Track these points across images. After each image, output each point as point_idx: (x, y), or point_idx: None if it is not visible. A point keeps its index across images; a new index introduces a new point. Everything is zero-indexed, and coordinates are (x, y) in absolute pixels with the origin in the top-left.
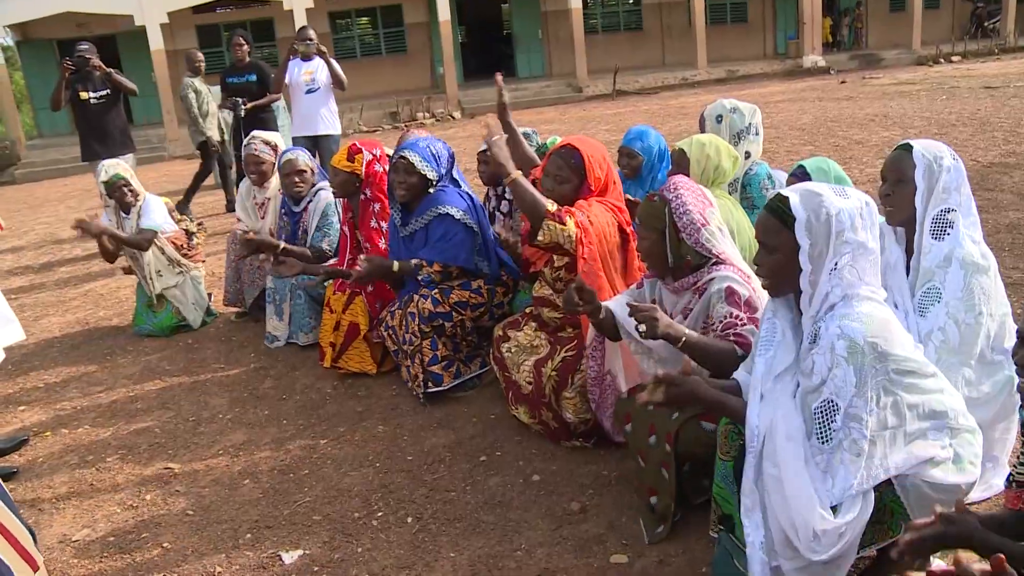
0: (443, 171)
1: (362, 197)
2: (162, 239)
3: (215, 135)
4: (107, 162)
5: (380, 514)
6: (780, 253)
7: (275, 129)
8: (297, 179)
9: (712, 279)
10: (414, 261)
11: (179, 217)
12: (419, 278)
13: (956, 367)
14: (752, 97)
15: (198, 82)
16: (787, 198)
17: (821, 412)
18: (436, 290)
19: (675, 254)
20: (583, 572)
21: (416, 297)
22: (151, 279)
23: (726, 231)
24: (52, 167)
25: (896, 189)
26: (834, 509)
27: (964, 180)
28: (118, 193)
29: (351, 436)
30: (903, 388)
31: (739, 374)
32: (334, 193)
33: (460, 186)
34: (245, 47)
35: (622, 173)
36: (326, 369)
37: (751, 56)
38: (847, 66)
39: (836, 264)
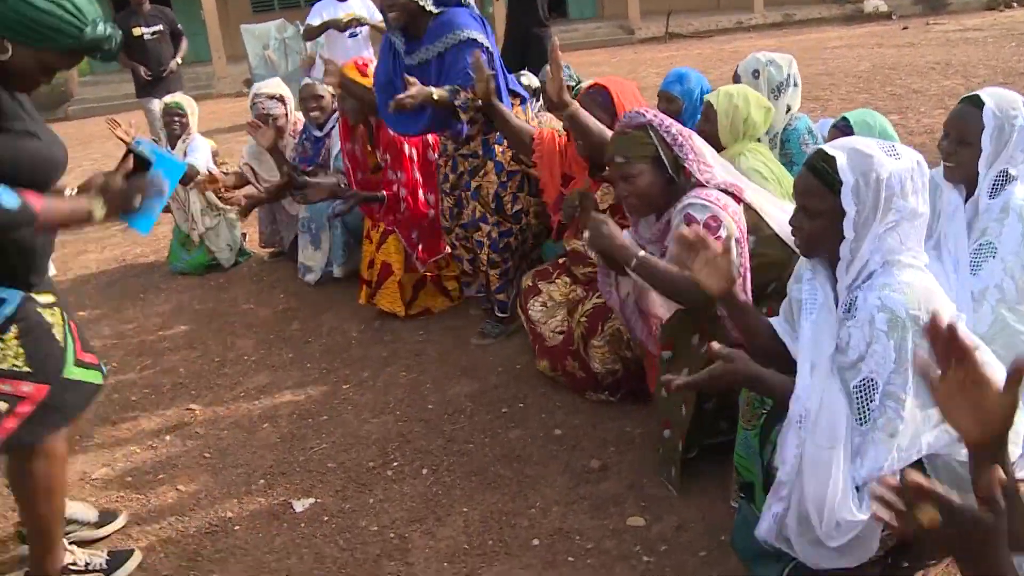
0: None
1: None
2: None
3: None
4: (175, 95)
5: (396, 464)
6: (823, 218)
7: None
8: (314, 104)
9: (676, 211)
10: (448, 88)
11: (221, 160)
12: (457, 105)
13: (1012, 326)
14: (809, 43)
15: None
16: (833, 158)
17: (860, 391)
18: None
19: (675, 169)
20: (598, 533)
21: (483, 226)
22: (195, 219)
23: (708, 146)
24: (104, 103)
25: (959, 149)
26: (858, 489)
27: None
28: (168, 120)
29: (373, 382)
30: None
31: (778, 322)
32: (347, 118)
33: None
34: None
35: None
36: (354, 311)
37: (809, 0)
38: (910, 11)
39: (881, 231)
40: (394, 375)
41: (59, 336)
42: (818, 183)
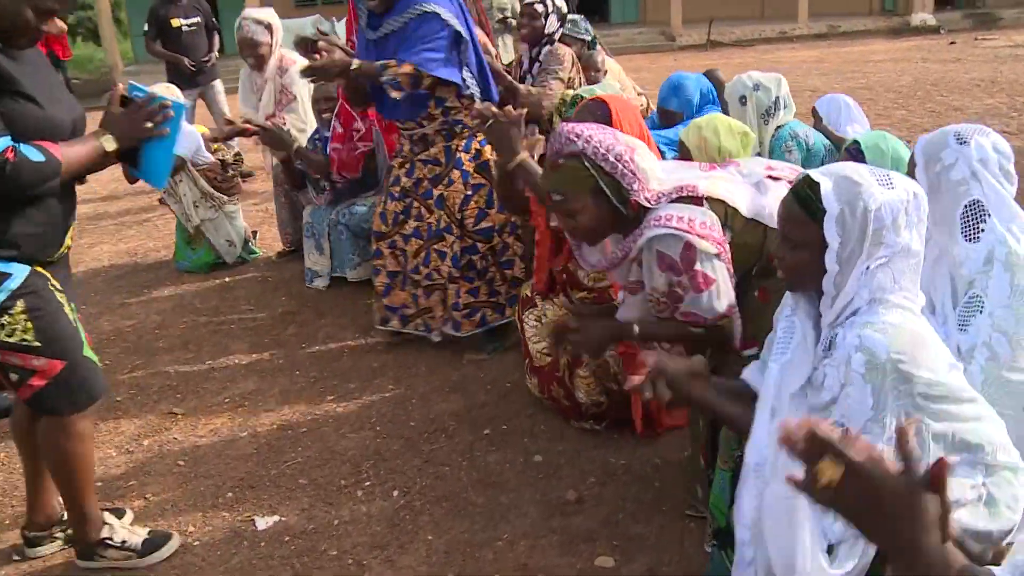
0: None
1: None
2: (193, 171)
3: None
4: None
5: (367, 484)
6: (805, 250)
7: None
8: (326, 106)
9: (641, 246)
10: (379, 62)
11: (215, 146)
12: (382, 80)
13: (1006, 388)
14: (852, 55)
15: None
16: (818, 184)
17: None
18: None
19: (620, 198)
20: (563, 572)
21: (448, 237)
22: (188, 210)
23: (651, 155)
24: None
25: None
26: (831, 549)
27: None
28: None
29: (360, 394)
30: (930, 415)
31: (749, 373)
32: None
33: None
34: None
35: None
36: (353, 318)
37: (856, 11)
38: (960, 25)
39: (868, 267)
40: (381, 388)
41: (71, 316)
42: (801, 211)
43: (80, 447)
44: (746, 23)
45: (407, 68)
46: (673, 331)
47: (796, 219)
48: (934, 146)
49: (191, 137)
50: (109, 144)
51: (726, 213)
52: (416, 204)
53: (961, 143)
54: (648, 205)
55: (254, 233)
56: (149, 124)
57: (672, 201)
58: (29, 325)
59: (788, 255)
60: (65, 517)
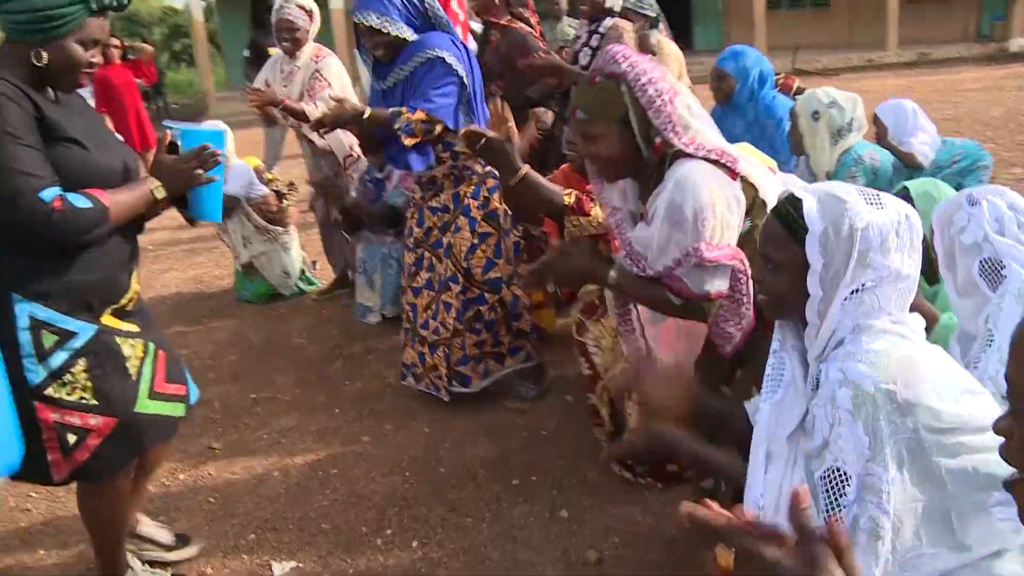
0: (418, 21)
1: None
2: (247, 207)
3: None
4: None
5: (388, 532)
6: (785, 272)
7: None
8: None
9: (667, 187)
10: (391, 109)
11: (269, 177)
12: (396, 128)
13: None
14: (941, 84)
15: None
16: (800, 201)
17: (826, 483)
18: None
19: (645, 138)
20: None
21: (453, 287)
22: (237, 247)
23: (697, 108)
24: (237, 118)
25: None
26: None
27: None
28: None
29: (394, 435)
30: (940, 450)
31: (750, 408)
32: None
33: (448, 31)
34: None
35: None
36: (398, 355)
37: (949, 38)
38: None
39: (854, 291)
40: (416, 430)
41: (132, 370)
42: (782, 229)
43: (114, 510)
44: (833, 51)
45: (420, 115)
46: (649, 292)
47: (777, 239)
48: (947, 210)
49: (243, 173)
50: (159, 192)
51: (754, 201)
52: (427, 255)
53: (973, 204)
54: (682, 148)
55: (313, 263)
56: (198, 172)
57: (709, 161)
58: (88, 384)
59: (768, 278)
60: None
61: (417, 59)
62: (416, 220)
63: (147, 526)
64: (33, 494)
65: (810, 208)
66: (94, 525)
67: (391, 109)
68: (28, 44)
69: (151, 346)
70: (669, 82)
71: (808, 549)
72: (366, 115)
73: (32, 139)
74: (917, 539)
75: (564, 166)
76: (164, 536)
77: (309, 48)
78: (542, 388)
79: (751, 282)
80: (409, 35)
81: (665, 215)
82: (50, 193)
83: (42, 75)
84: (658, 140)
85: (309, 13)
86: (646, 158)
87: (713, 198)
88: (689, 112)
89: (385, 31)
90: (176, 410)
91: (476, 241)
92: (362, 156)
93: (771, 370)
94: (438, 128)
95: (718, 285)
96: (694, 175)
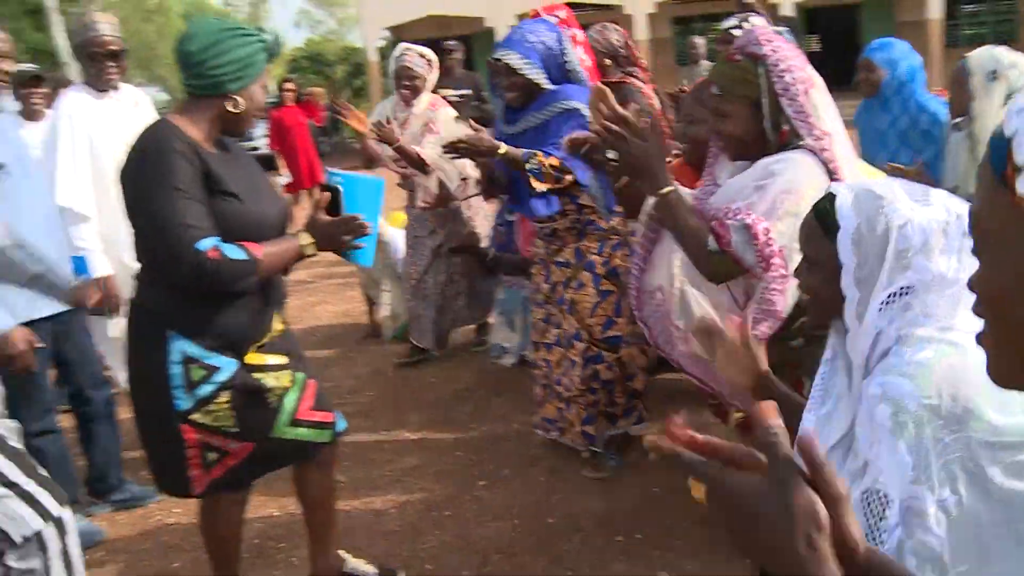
0: (555, 72)
1: None
2: (392, 256)
3: None
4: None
5: None
6: (821, 270)
7: None
8: None
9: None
10: (526, 150)
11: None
12: (527, 169)
13: None
14: None
15: None
16: (835, 197)
17: (866, 504)
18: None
19: (773, 124)
20: None
21: (577, 344)
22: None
23: (832, 109)
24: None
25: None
26: None
27: None
28: None
29: (509, 481)
30: (1003, 469)
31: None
32: None
33: (584, 85)
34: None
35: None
36: (530, 399)
37: None
38: None
39: (891, 294)
40: (532, 478)
41: (273, 399)
42: (817, 225)
43: (229, 528)
44: None
45: (554, 161)
46: (694, 223)
47: (812, 235)
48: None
49: (396, 238)
50: (309, 250)
51: None
52: (555, 311)
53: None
54: (807, 141)
55: None
56: (348, 238)
57: (823, 166)
58: (230, 413)
59: (805, 275)
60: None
61: (553, 109)
62: (544, 276)
63: (351, 563)
64: (176, 509)
65: (844, 203)
66: (211, 541)
67: (524, 150)
68: (224, 95)
69: (300, 376)
70: (808, 73)
71: (778, 469)
72: (502, 150)
73: (197, 193)
74: (979, 562)
75: (675, 161)
76: (367, 570)
77: (426, 97)
78: (623, 461)
79: (785, 292)
80: (543, 82)
81: (757, 174)
82: (207, 243)
83: (228, 122)
84: (784, 128)
85: (429, 62)
86: (771, 143)
87: (804, 195)
88: (822, 107)
89: (522, 73)
90: (320, 436)
91: (598, 299)
92: (473, 183)
93: (820, 380)
94: (567, 178)
95: (751, 258)
96: (804, 166)
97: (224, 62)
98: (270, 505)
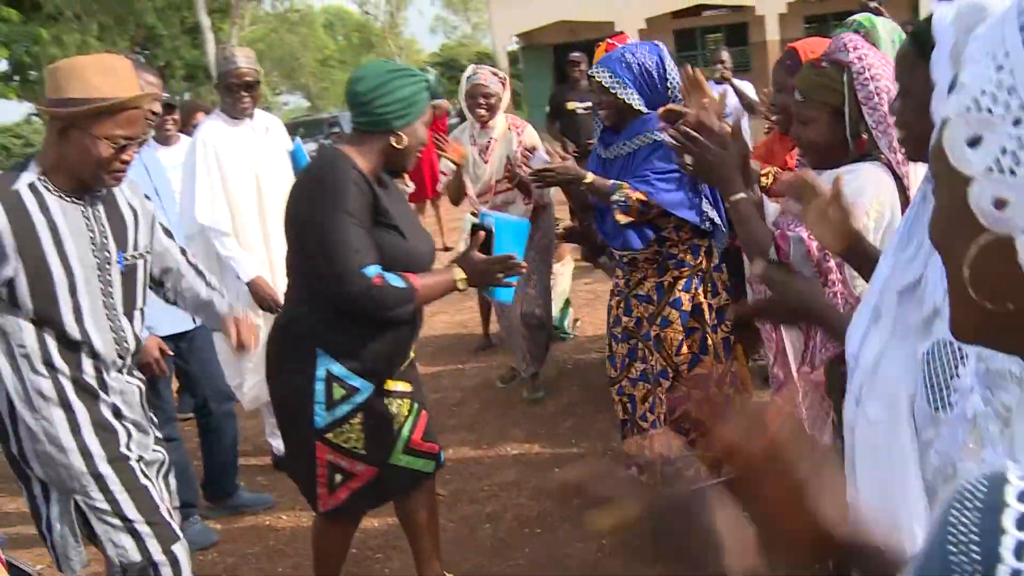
0: (652, 94)
1: None
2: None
3: None
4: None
5: None
6: (913, 98)
7: None
8: None
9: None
10: (612, 181)
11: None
12: (612, 200)
13: None
14: None
15: None
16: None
17: (934, 360)
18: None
19: (854, 132)
20: None
21: (663, 382)
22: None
23: None
24: None
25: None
26: None
27: None
28: None
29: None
30: None
31: None
32: None
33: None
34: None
35: None
36: None
37: None
38: None
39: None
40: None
41: (396, 426)
42: (912, 49)
43: (337, 546)
44: None
45: (639, 195)
46: (758, 236)
47: (906, 60)
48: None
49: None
50: (462, 284)
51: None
52: (641, 346)
53: None
54: (885, 153)
55: (575, 321)
56: (501, 276)
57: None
58: (361, 435)
59: (899, 109)
60: None
61: (643, 139)
62: (623, 309)
63: None
64: (283, 516)
65: (941, 18)
66: (319, 555)
67: (612, 182)
68: (390, 131)
69: (416, 406)
70: (893, 82)
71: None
72: (588, 179)
73: (366, 221)
74: None
75: (770, 136)
76: None
77: (502, 118)
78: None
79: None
80: (637, 103)
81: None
82: (373, 270)
83: (392, 157)
84: (863, 137)
85: (502, 81)
86: (850, 152)
87: (870, 207)
88: None
89: (613, 92)
90: (426, 466)
91: (683, 336)
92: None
93: (905, 222)
94: (654, 212)
95: (806, 273)
96: (873, 178)
97: (390, 101)
98: (368, 515)
